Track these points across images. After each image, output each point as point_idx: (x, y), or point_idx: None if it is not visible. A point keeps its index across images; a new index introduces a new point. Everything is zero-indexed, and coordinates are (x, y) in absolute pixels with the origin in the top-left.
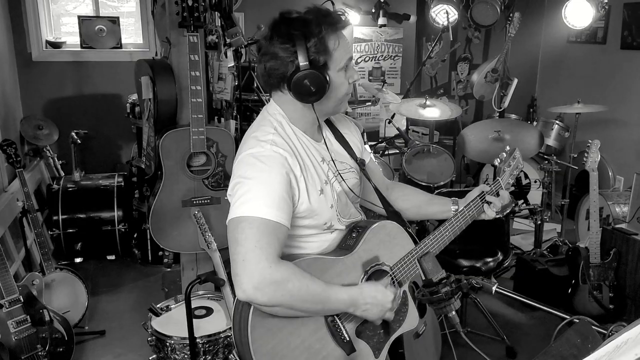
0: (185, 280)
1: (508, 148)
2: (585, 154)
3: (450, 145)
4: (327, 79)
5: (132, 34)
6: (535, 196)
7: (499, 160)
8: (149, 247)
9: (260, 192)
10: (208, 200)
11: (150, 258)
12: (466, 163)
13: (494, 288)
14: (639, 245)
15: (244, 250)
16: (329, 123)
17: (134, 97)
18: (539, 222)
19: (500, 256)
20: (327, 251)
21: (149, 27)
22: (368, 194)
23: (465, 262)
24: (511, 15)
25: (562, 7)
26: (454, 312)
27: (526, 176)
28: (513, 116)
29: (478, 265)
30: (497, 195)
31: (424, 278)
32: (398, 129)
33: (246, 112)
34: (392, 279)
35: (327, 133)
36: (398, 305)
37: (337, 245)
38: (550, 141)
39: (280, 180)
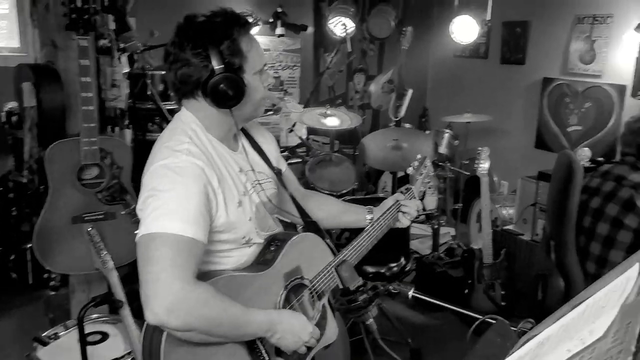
0: (76, 304)
1: (419, 156)
2: (477, 161)
3: (351, 153)
4: (244, 81)
5: (6, 37)
6: (430, 201)
7: (411, 169)
8: (30, 270)
9: (175, 206)
10: (102, 216)
11: (31, 281)
12: (367, 171)
13: (410, 293)
14: (525, 244)
15: (157, 270)
16: (244, 132)
17: (11, 104)
18: (436, 226)
19: (403, 261)
20: (245, 266)
21: (26, 30)
22: (284, 203)
23: (370, 269)
24: (404, 29)
25: (449, 23)
26: (371, 320)
27: None
28: (407, 125)
29: (383, 270)
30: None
31: (341, 287)
32: (300, 137)
33: (141, 121)
34: (311, 292)
35: (244, 142)
36: (314, 342)
37: (255, 260)
38: (442, 149)
39: (197, 192)
